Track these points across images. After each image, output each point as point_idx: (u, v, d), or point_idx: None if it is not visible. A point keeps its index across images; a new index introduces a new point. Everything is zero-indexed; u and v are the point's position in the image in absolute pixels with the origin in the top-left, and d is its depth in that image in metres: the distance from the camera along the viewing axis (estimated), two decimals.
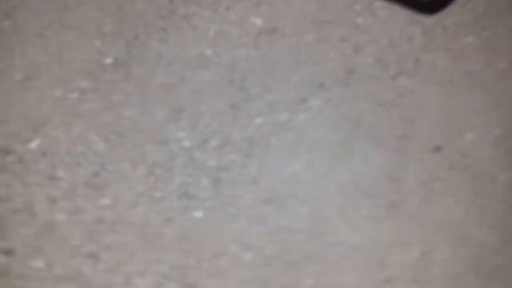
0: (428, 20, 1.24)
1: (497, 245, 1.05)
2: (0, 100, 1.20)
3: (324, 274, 1.00)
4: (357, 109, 1.21)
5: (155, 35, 1.25)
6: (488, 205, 1.10)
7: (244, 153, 1.16)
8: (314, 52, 1.23)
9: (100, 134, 1.18)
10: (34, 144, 1.15)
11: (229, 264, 1.01)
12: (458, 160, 1.16)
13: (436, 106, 1.21)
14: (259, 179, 1.14)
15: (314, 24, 1.25)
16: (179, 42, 1.24)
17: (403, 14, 1.25)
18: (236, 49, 1.24)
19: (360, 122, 1.20)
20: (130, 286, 0.97)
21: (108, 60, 1.23)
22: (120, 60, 1.23)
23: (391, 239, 1.05)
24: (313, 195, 1.11)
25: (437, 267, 1.02)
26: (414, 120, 1.20)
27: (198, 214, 1.09)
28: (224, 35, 1.25)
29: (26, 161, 1.12)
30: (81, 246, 1.01)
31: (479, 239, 1.06)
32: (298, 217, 1.08)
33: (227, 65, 1.23)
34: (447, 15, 1.24)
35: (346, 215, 1.08)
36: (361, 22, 1.25)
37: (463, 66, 1.21)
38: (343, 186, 1.12)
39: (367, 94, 1.21)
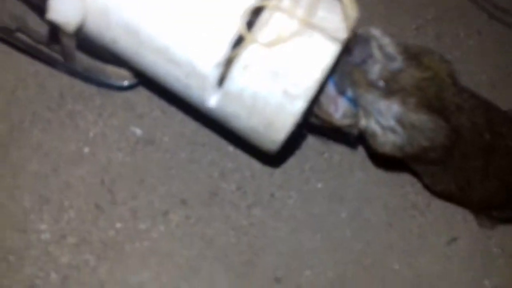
0: (289, 160, 1.37)
1: None
2: None
3: None
4: (212, 230, 1.30)
5: (39, 125, 1.29)
6: None
7: (97, 255, 1.22)
8: (184, 169, 1.32)
9: None
10: None
11: None
12: None
13: (281, 240, 1.32)
14: (105, 284, 1.19)
15: (189, 144, 1.35)
16: (60, 136, 1.28)
17: None
18: (112, 152, 1.30)
19: (212, 243, 1.29)
20: None
21: None
22: (1, 141, 1.25)
23: None
24: None
25: None
26: (261, 249, 1.31)
27: None
28: (104, 137, 1.31)
29: None
30: None
31: None
32: None
33: (101, 165, 1.29)
34: (306, 160, 1.38)
35: None
36: (231, 150, 1.36)
37: (310, 209, 1.35)
38: None
39: (223, 218, 1.31)
